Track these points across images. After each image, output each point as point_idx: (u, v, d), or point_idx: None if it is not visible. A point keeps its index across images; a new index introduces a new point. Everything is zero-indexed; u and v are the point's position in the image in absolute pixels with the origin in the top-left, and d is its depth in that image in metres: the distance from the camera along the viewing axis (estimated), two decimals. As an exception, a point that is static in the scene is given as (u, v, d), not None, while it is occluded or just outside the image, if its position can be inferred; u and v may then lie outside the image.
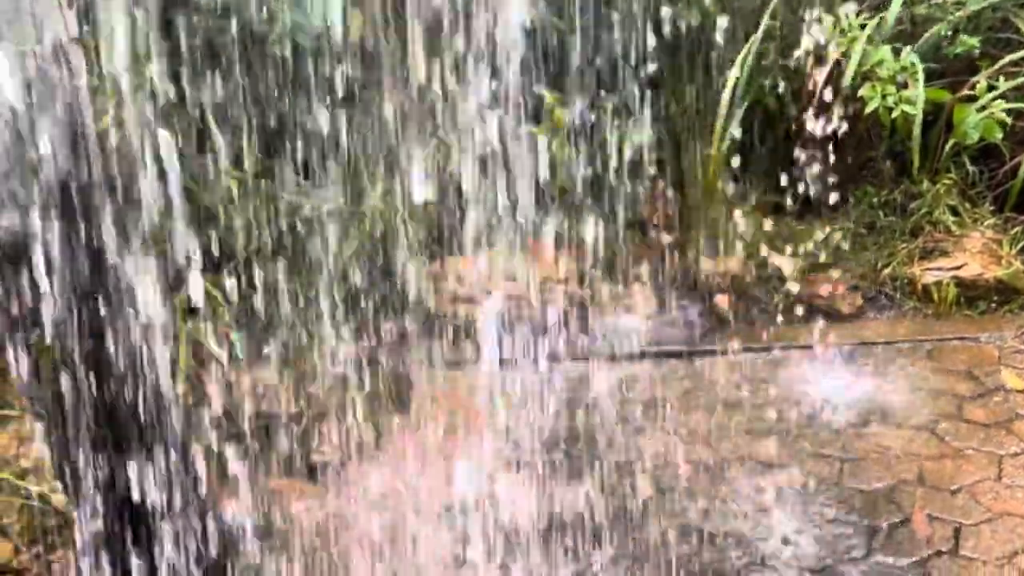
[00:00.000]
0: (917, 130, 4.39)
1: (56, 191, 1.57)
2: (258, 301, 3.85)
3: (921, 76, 4.41)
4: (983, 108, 4.49)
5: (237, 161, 3.95)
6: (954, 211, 4.54)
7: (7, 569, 2.82)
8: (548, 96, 4.29)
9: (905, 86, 4.41)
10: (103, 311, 1.68)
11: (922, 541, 3.10)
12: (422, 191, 3.84)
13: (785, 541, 3.11)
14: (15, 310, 1.61)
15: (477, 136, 3.99)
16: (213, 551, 2.19)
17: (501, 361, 3.97)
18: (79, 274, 1.63)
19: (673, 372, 4.00)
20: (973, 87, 4.54)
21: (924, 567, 3.00)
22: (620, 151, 4.48)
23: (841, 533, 3.14)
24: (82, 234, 1.63)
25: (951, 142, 4.56)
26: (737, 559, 3.04)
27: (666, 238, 4.37)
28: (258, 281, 3.86)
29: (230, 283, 3.78)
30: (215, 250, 3.78)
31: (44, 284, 1.56)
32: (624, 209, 4.39)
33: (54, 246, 1.58)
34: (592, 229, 4.26)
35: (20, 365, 1.69)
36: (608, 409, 3.79)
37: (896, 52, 4.50)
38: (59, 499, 2.89)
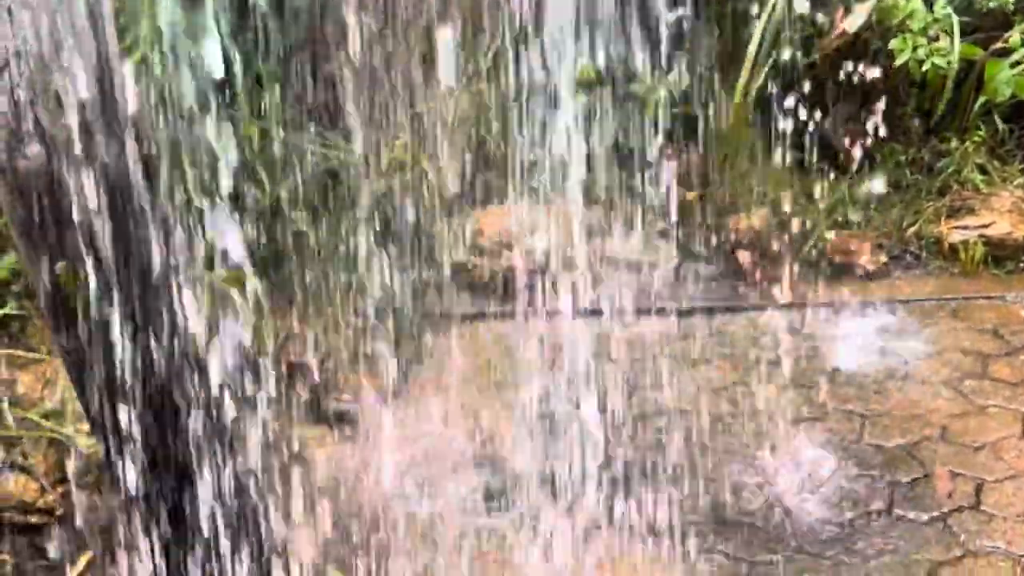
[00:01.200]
0: (949, 83, 4.31)
1: (81, 120, 1.57)
2: (282, 250, 3.86)
3: (956, 28, 4.32)
4: (1016, 64, 4.40)
5: (260, 110, 3.94)
6: (983, 169, 4.48)
7: (33, 508, 2.86)
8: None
9: (937, 39, 4.33)
10: (131, 247, 1.68)
11: (943, 497, 3.09)
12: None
13: (805, 494, 3.11)
14: (42, 240, 1.60)
15: (502, 87, 3.96)
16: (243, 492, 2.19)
17: (521, 313, 3.97)
18: (108, 206, 1.62)
19: (694, 327, 3.98)
20: (1006, 42, 4.45)
21: (945, 522, 2.99)
22: (644, 104, 4.44)
23: (861, 488, 3.13)
24: (108, 167, 1.62)
25: (982, 99, 4.49)
26: (757, 509, 3.04)
27: (689, 193, 4.33)
28: (282, 230, 3.87)
29: (254, 231, 3.78)
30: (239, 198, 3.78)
31: (72, 214, 1.56)
32: (648, 163, 4.35)
33: (83, 177, 1.58)
34: (615, 183, 4.23)
35: (46, 296, 1.69)
36: (627, 364, 3.78)
37: (929, 5, 4.42)
38: (84, 440, 2.91)
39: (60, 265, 1.61)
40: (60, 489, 2.89)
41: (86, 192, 1.60)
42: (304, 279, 3.88)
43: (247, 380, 3.00)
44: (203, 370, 1.99)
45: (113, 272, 1.64)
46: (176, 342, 1.87)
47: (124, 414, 1.87)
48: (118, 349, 1.71)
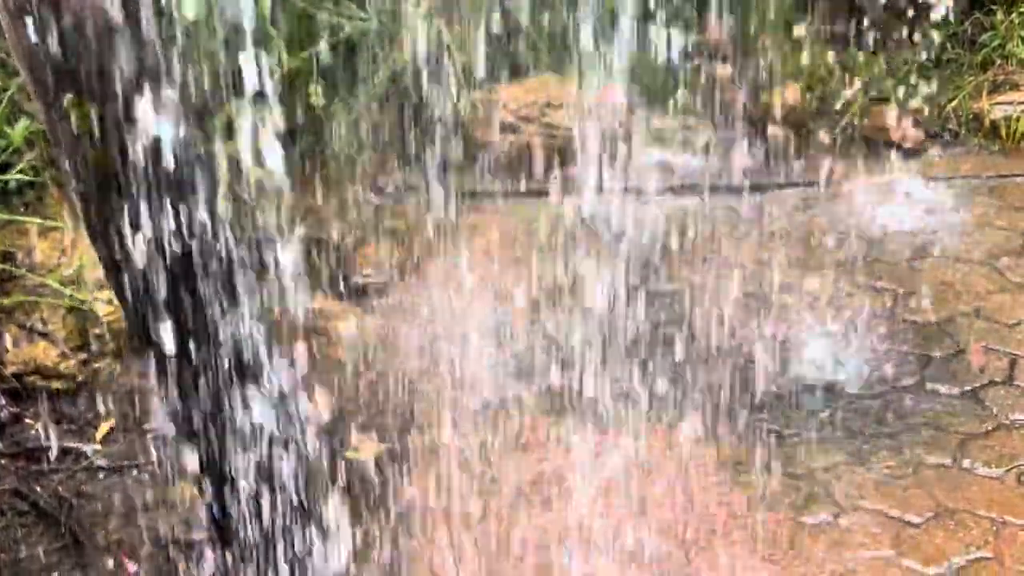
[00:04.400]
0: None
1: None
2: (299, 124, 3.76)
3: None
4: (1070, -69, 4.19)
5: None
6: (1028, 44, 4.30)
7: (53, 374, 2.84)
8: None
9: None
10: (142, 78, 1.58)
11: (976, 371, 3.03)
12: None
13: (836, 370, 3.06)
14: (46, 69, 1.52)
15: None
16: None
17: (547, 191, 3.88)
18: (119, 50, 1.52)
19: (725, 205, 3.88)
20: (1060, -92, 4.23)
21: (977, 396, 2.93)
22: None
23: (893, 363, 3.07)
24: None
25: (1030, -31, 4.28)
26: (787, 386, 3.00)
27: (722, 67, 4.18)
28: (299, 103, 3.76)
29: (270, 104, 3.68)
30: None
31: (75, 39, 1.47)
32: (679, 36, 4.19)
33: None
34: (645, 57, 4.08)
35: (53, 132, 1.61)
36: (655, 242, 3.70)
37: None
38: (102, 307, 2.88)
39: (67, 97, 1.53)
40: (81, 356, 2.87)
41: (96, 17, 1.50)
42: (324, 154, 3.80)
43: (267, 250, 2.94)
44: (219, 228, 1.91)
45: (125, 104, 1.55)
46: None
47: (140, 261, 1.81)
48: (132, 191, 1.64)
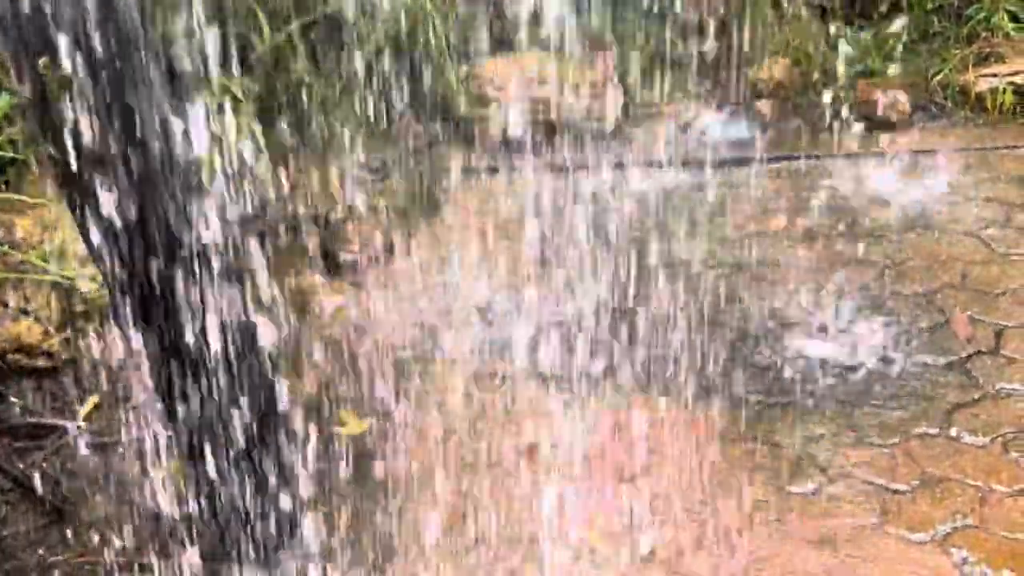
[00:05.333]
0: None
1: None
2: (283, 99, 3.73)
3: None
4: (1056, -97, 4.18)
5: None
6: (1014, 17, 4.29)
7: (38, 352, 2.82)
8: None
9: None
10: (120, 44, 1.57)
11: (963, 342, 3.03)
12: None
13: (822, 340, 3.06)
14: (19, 33, 1.50)
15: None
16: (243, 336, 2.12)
17: (532, 166, 3.87)
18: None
19: (712, 179, 3.87)
20: None
21: (964, 366, 2.94)
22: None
23: (881, 333, 3.07)
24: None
25: (1016, -59, 4.28)
26: (773, 356, 3.00)
27: (709, 42, 4.16)
28: (283, 78, 3.73)
29: (253, 79, 3.65)
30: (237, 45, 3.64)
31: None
32: (666, 11, 4.18)
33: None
34: (631, 32, 4.07)
35: (30, 100, 1.59)
36: (641, 215, 3.70)
37: None
38: (86, 284, 2.86)
39: (43, 61, 1.51)
40: (65, 333, 2.85)
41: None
42: (308, 130, 3.77)
43: (251, 224, 2.92)
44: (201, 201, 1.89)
45: (100, 72, 1.53)
46: (171, 154, 1.78)
47: (113, 239, 1.79)
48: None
